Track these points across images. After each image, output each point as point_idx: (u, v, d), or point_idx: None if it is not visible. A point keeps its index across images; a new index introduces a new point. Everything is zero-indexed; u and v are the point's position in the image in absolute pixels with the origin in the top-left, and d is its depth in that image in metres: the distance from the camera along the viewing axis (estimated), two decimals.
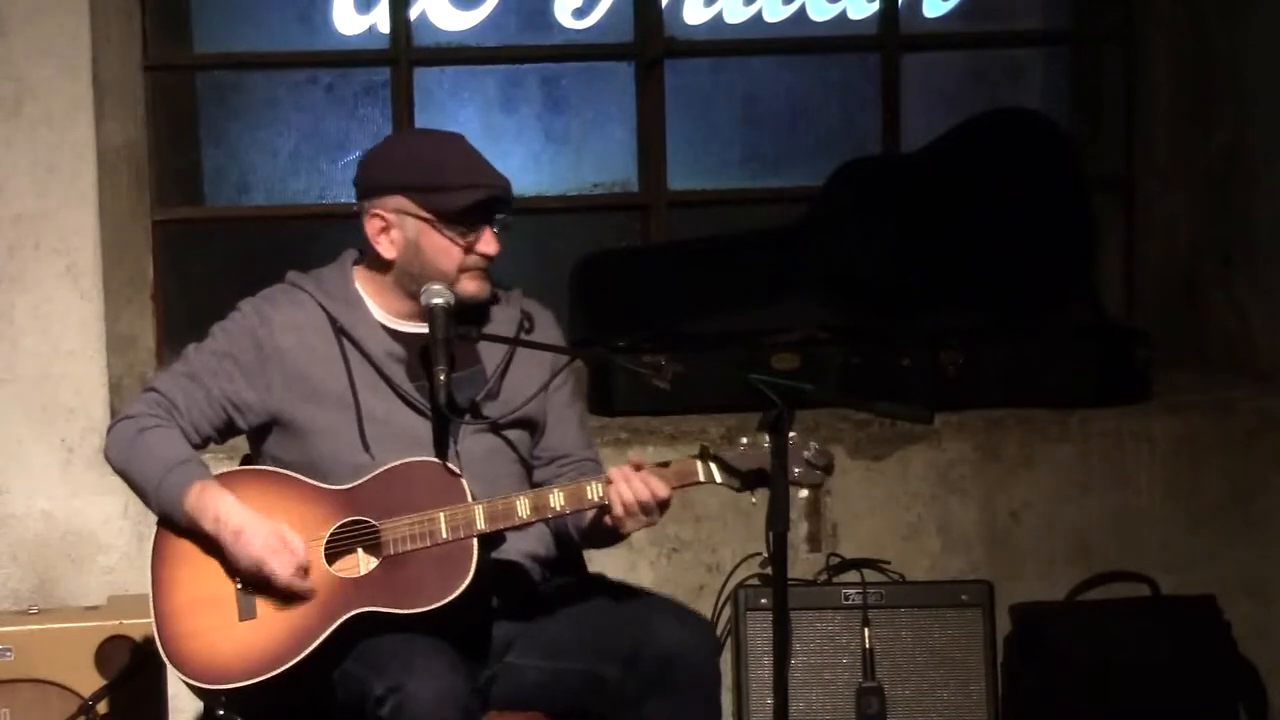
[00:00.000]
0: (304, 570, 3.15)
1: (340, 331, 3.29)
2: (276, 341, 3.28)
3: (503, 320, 3.37)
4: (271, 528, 3.15)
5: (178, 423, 3.27)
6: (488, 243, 3.26)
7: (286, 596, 3.15)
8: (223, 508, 3.17)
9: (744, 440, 3.17)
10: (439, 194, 3.24)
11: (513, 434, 3.35)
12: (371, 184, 3.31)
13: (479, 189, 3.23)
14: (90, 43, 4.53)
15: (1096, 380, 4.79)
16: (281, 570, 3.13)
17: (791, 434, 3.15)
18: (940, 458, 4.68)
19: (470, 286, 3.27)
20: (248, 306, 3.35)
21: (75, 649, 3.96)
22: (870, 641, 4.23)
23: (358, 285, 3.35)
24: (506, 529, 3.19)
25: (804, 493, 3.24)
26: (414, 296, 3.29)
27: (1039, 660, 4.40)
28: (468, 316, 3.33)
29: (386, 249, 3.30)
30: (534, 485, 3.38)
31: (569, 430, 3.43)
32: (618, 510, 3.16)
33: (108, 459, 3.31)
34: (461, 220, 3.24)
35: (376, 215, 3.30)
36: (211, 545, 3.19)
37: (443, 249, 3.25)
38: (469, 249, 3.25)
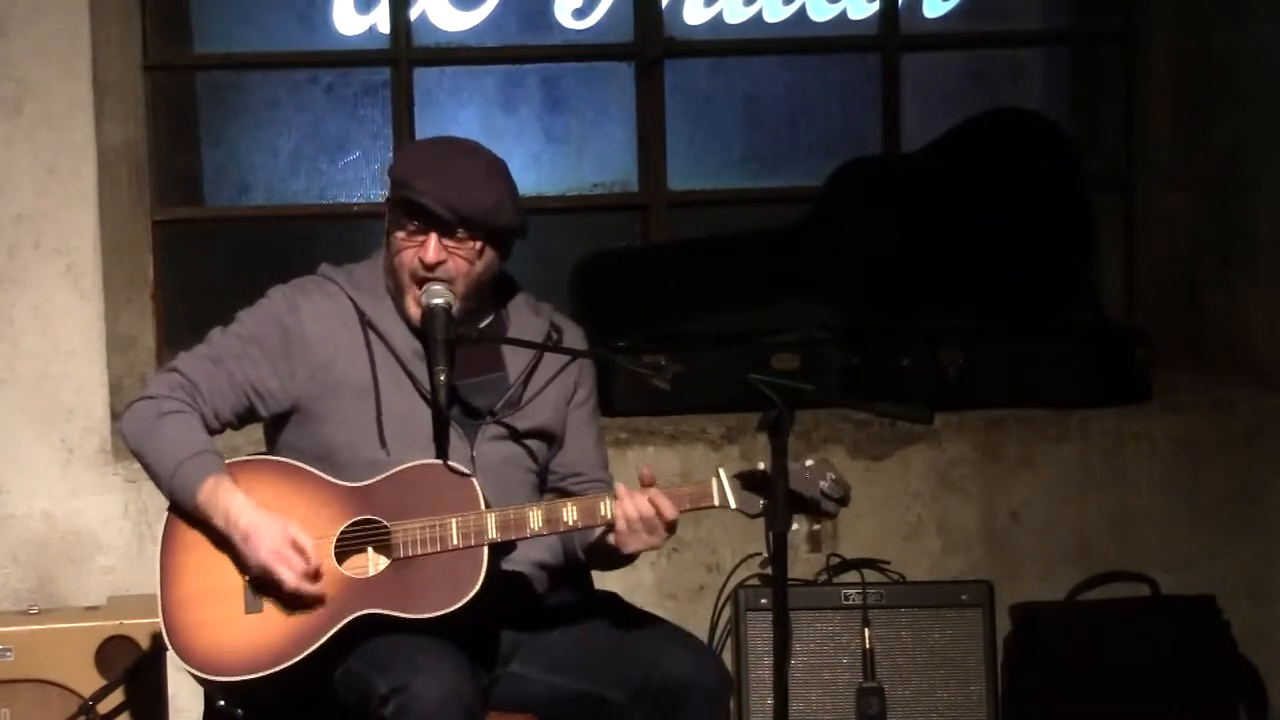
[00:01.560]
0: (313, 575, 3.14)
1: (367, 325, 3.29)
2: (304, 330, 3.28)
3: (530, 331, 3.37)
4: (281, 530, 3.14)
5: (199, 407, 3.26)
6: (425, 250, 3.21)
7: (294, 597, 3.15)
8: (233, 507, 3.16)
9: (761, 465, 3.15)
10: (393, 188, 3.25)
11: (531, 443, 3.34)
12: None
13: (412, 193, 3.19)
14: (90, 43, 4.53)
15: (1096, 380, 4.80)
16: (289, 577, 3.12)
17: (809, 462, 3.15)
18: (940, 458, 4.68)
19: (412, 307, 3.25)
20: (277, 294, 3.34)
21: (75, 649, 3.96)
22: (870, 641, 4.23)
23: (388, 283, 3.35)
24: (517, 539, 3.19)
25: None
26: (397, 298, 3.27)
27: (1039, 660, 4.40)
28: (496, 325, 3.34)
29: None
30: (546, 496, 3.38)
31: (586, 447, 3.42)
32: (621, 525, 3.14)
33: (124, 437, 3.30)
34: (403, 218, 3.22)
35: (386, 202, 3.33)
36: (222, 537, 3.19)
37: (392, 243, 3.25)
38: (417, 251, 3.22)
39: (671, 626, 3.33)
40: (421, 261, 3.22)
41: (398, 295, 3.28)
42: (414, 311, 3.25)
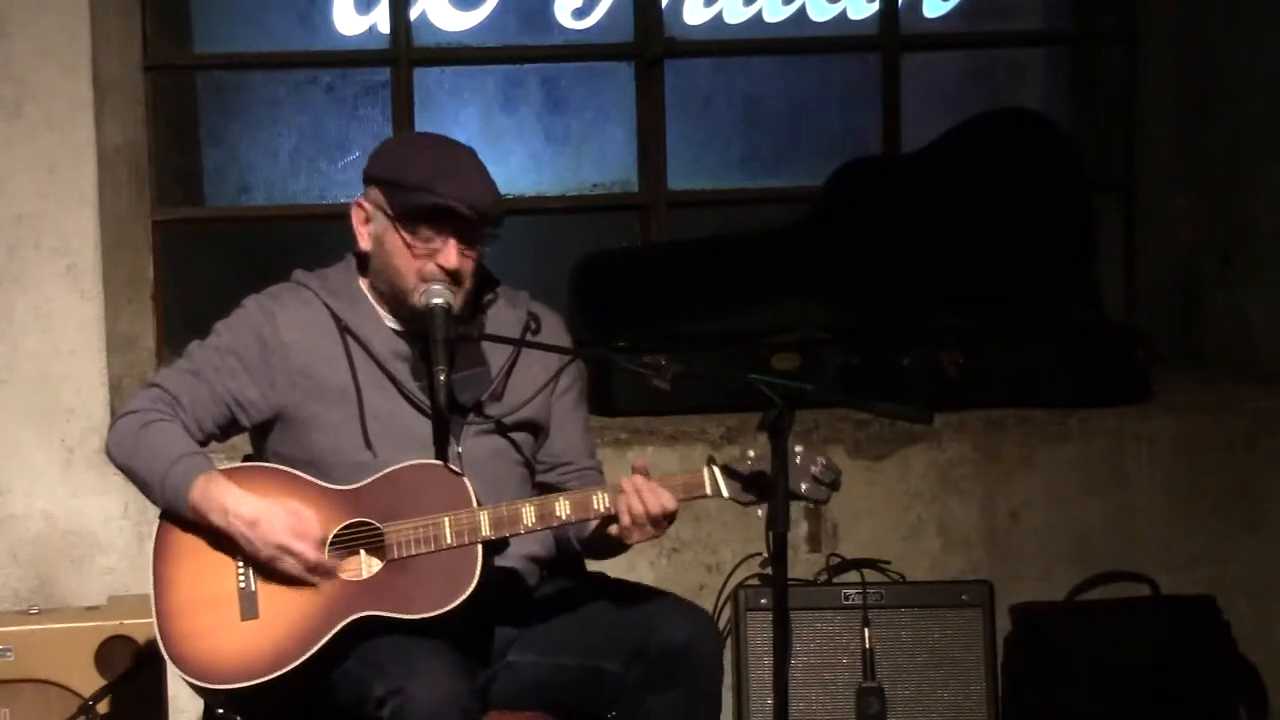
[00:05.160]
0: (322, 544, 3.14)
1: (344, 329, 3.28)
2: (281, 338, 3.27)
3: (508, 322, 3.36)
4: (285, 509, 3.14)
5: (180, 419, 3.25)
6: (447, 256, 3.20)
7: (292, 590, 3.14)
8: (230, 499, 3.16)
9: (751, 453, 3.16)
10: (404, 192, 3.21)
11: (517, 436, 3.34)
12: (366, 174, 3.32)
13: (438, 196, 3.17)
14: (90, 43, 4.53)
15: (1096, 380, 4.79)
16: (306, 552, 3.12)
17: (799, 448, 3.15)
18: (940, 458, 4.68)
19: (418, 301, 3.23)
20: (252, 303, 3.34)
21: (75, 649, 3.96)
22: (870, 641, 4.23)
23: (361, 285, 3.35)
24: (511, 536, 3.19)
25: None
26: (395, 300, 3.27)
27: (1039, 660, 4.40)
28: (471, 316, 3.33)
29: (363, 240, 3.30)
30: (535, 488, 3.38)
31: (572, 436, 3.42)
32: (625, 521, 3.15)
33: (110, 456, 3.29)
34: (418, 224, 3.20)
35: (360, 205, 3.31)
36: (216, 541, 3.18)
37: (399, 250, 3.23)
38: (431, 257, 3.21)
39: (661, 591, 3.35)
40: (442, 268, 3.20)
41: (396, 297, 3.26)
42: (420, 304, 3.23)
